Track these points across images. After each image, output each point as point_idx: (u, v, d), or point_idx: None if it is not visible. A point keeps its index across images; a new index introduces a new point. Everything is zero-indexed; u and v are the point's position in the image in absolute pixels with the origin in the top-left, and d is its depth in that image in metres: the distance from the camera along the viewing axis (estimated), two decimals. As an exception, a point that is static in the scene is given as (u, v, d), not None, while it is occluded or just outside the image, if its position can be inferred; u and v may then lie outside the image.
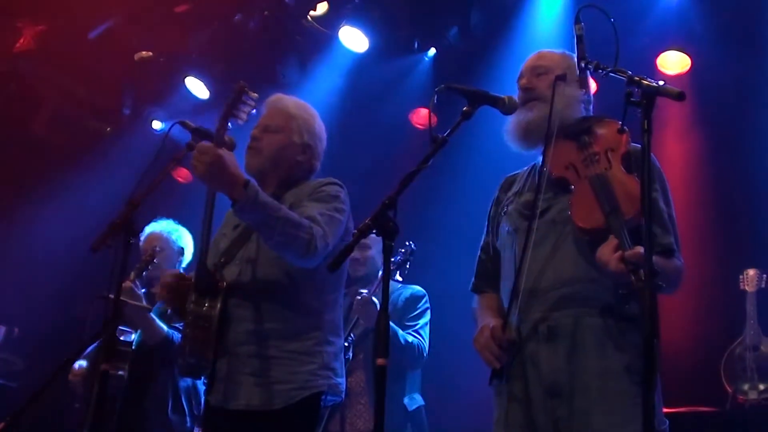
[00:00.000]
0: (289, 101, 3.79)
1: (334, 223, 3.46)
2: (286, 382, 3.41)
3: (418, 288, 5.50)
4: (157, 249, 5.36)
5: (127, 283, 4.86)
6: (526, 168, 3.42)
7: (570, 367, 2.91)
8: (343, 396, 3.63)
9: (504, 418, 3.05)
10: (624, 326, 2.90)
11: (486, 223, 3.46)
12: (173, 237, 5.58)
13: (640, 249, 2.55)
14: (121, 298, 4.76)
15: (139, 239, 5.29)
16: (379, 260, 5.59)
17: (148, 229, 5.58)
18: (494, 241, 3.36)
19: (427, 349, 5.32)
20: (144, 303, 5.02)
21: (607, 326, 2.91)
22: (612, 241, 2.75)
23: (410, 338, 5.25)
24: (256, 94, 3.50)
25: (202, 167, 3.15)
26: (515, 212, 3.22)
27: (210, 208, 3.49)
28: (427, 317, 5.46)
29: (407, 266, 5.52)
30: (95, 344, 5.00)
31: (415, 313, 5.43)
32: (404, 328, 5.31)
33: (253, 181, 3.24)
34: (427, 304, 5.48)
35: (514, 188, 3.36)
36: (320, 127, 3.83)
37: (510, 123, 3.28)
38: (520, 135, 3.25)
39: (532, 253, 3.03)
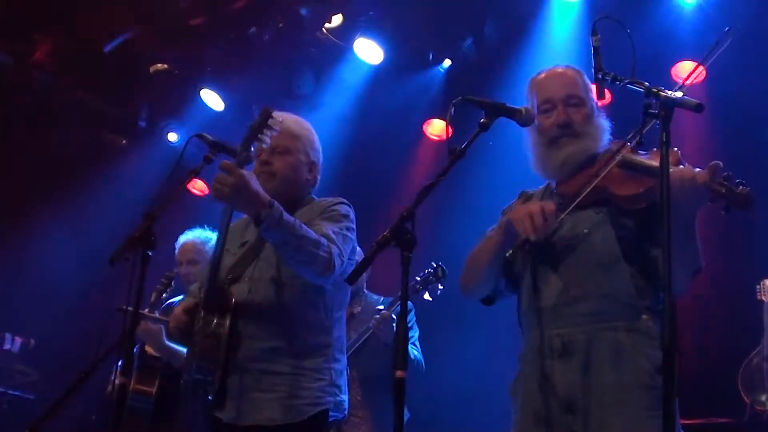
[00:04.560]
0: (290, 120, 3.77)
1: (347, 242, 3.52)
2: (298, 398, 3.43)
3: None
4: (182, 272, 5.32)
5: (144, 322, 4.85)
6: (541, 187, 3.40)
7: (585, 382, 2.91)
8: (346, 413, 3.65)
9: None
10: (638, 340, 2.90)
11: None
12: (207, 246, 5.46)
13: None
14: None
15: (156, 251, 5.27)
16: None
17: (183, 238, 5.54)
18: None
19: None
20: (162, 336, 4.96)
21: (621, 340, 2.91)
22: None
23: (416, 352, 5.26)
24: (281, 120, 3.50)
25: (227, 189, 3.18)
26: None
27: (225, 228, 3.50)
28: (417, 330, 5.45)
29: (439, 287, 5.39)
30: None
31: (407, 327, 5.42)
32: None
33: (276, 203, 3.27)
34: (414, 318, 5.47)
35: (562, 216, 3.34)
36: (318, 140, 3.88)
37: (541, 158, 3.24)
38: (555, 170, 3.22)
39: (547, 270, 3.07)
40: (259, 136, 3.42)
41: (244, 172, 3.24)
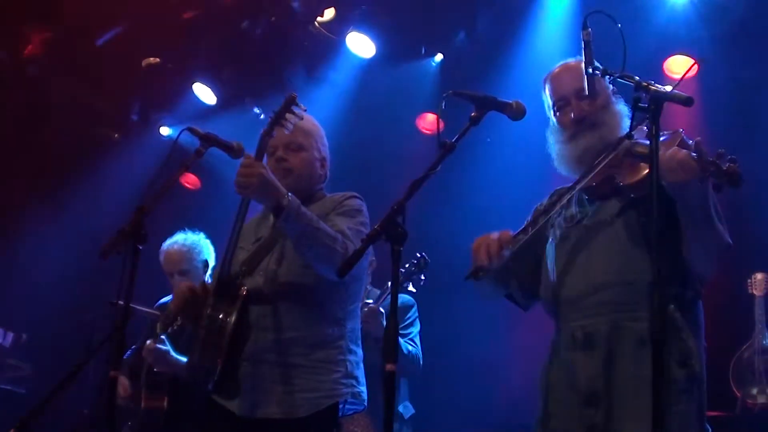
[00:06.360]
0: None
1: (361, 237, 3.50)
2: (312, 391, 3.45)
3: (407, 297, 5.48)
4: (173, 284, 5.20)
5: (151, 344, 4.74)
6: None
7: (606, 374, 2.90)
8: (366, 404, 3.66)
9: (541, 428, 3.08)
10: None
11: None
12: (194, 253, 5.38)
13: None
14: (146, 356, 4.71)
15: (148, 245, 5.21)
16: None
17: (167, 246, 5.39)
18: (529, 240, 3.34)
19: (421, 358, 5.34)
20: (172, 356, 4.79)
21: (642, 331, 2.84)
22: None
23: (410, 347, 5.25)
24: (305, 107, 3.51)
25: (253, 180, 3.26)
26: (562, 223, 3.23)
27: (242, 217, 3.52)
28: (418, 326, 5.44)
29: (421, 277, 5.49)
30: (128, 353, 4.98)
31: (407, 322, 5.41)
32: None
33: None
34: (416, 314, 5.46)
35: (563, 201, 3.30)
36: (325, 135, 3.92)
37: (561, 155, 3.25)
38: (574, 164, 3.21)
39: (568, 261, 3.08)
40: (282, 121, 3.45)
41: (262, 163, 3.34)
